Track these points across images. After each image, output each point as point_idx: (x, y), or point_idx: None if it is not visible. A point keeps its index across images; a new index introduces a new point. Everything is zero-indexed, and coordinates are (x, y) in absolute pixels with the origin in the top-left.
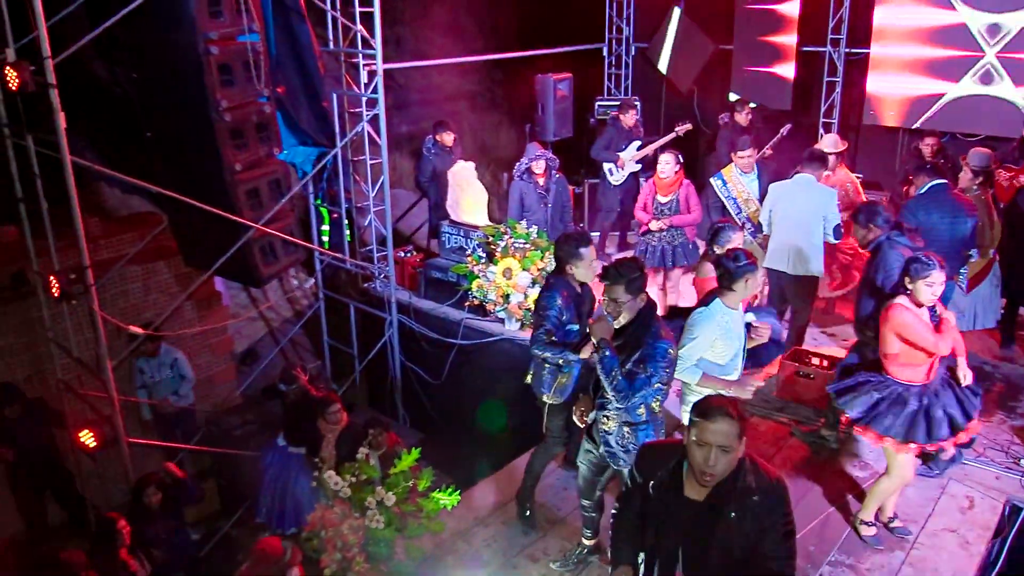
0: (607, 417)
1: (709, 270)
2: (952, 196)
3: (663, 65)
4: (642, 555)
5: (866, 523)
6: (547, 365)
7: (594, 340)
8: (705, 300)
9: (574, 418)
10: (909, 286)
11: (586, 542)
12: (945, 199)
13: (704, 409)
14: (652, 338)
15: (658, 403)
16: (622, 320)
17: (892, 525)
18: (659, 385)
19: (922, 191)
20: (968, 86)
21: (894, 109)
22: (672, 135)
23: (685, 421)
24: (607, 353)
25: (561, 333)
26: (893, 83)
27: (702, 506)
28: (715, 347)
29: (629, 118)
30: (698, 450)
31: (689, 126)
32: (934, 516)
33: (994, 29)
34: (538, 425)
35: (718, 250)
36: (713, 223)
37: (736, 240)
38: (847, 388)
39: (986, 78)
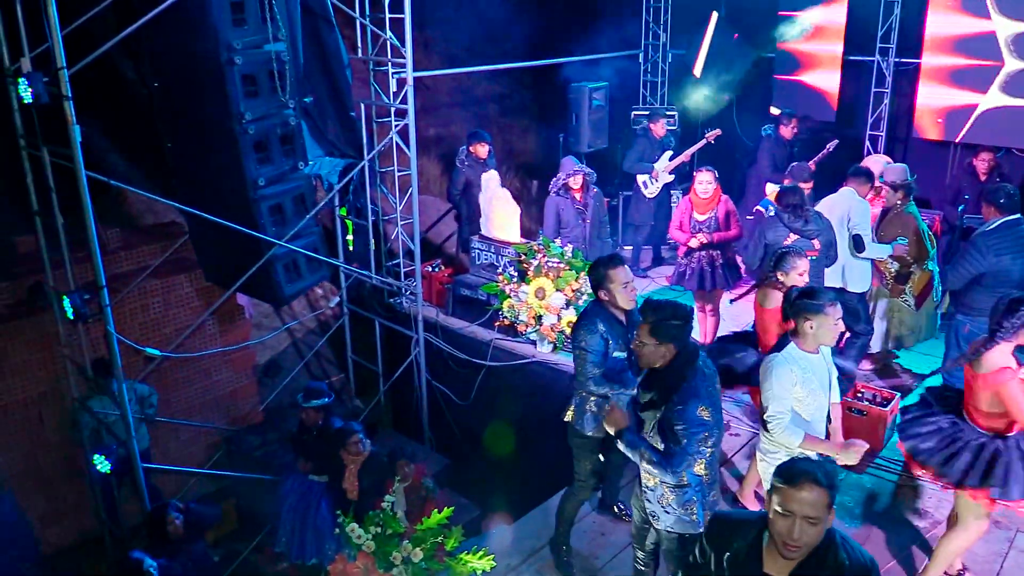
0: (649, 474)
1: (775, 299)
2: (1019, 235)
3: (701, 73)
4: None
5: None
6: (593, 399)
7: (611, 431)
8: (780, 342)
9: (604, 424)
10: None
11: None
12: (1018, 238)
13: (790, 474)
14: (680, 396)
15: (702, 466)
16: (653, 364)
17: None
18: (700, 448)
19: (991, 227)
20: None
21: (945, 122)
22: (703, 142)
23: (765, 484)
24: (626, 438)
25: (609, 363)
26: (944, 95)
27: None
28: (797, 398)
29: (660, 128)
30: (782, 520)
31: (719, 132)
32: (1003, 574)
33: None
34: (570, 455)
35: (782, 277)
36: (774, 248)
37: (802, 266)
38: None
39: None
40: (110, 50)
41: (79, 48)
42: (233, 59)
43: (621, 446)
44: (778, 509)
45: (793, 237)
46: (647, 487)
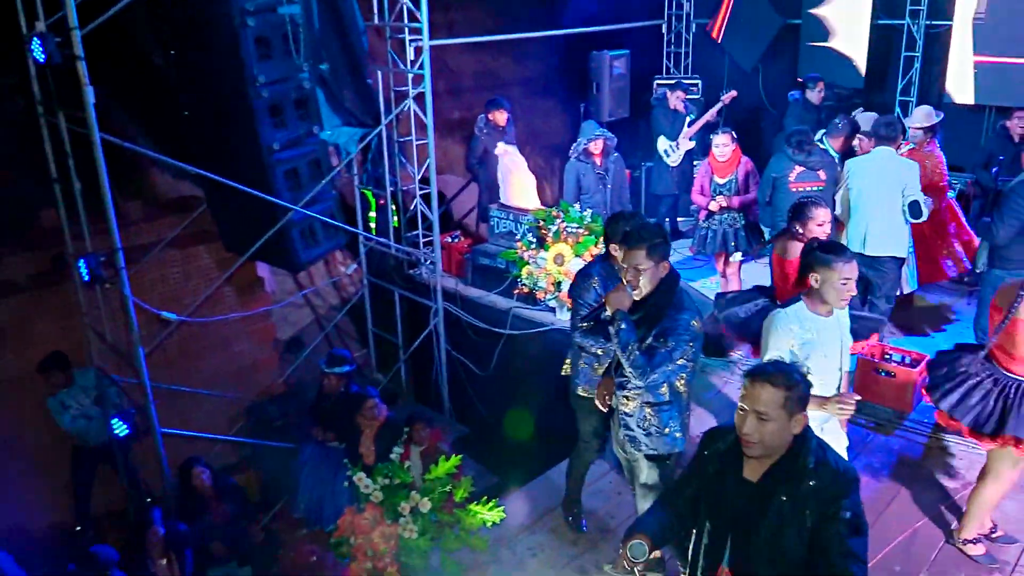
0: (627, 398)
1: (795, 250)
2: None
3: (726, 42)
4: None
5: (970, 541)
6: (584, 354)
7: (609, 311)
8: (792, 299)
9: (596, 402)
10: None
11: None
12: None
13: (752, 373)
14: (674, 309)
15: (683, 382)
16: (643, 290)
17: (995, 535)
18: (683, 361)
19: None
20: None
21: (975, 85)
22: (719, 105)
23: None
24: (623, 326)
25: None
26: (976, 58)
27: (754, 487)
28: (799, 358)
29: (675, 100)
30: (739, 416)
31: (735, 93)
32: None
33: None
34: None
35: (800, 227)
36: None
37: (820, 216)
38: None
39: None
40: (127, 20)
41: (94, 14)
42: (246, 21)
43: (611, 332)
44: (739, 404)
45: (798, 170)
46: (625, 413)
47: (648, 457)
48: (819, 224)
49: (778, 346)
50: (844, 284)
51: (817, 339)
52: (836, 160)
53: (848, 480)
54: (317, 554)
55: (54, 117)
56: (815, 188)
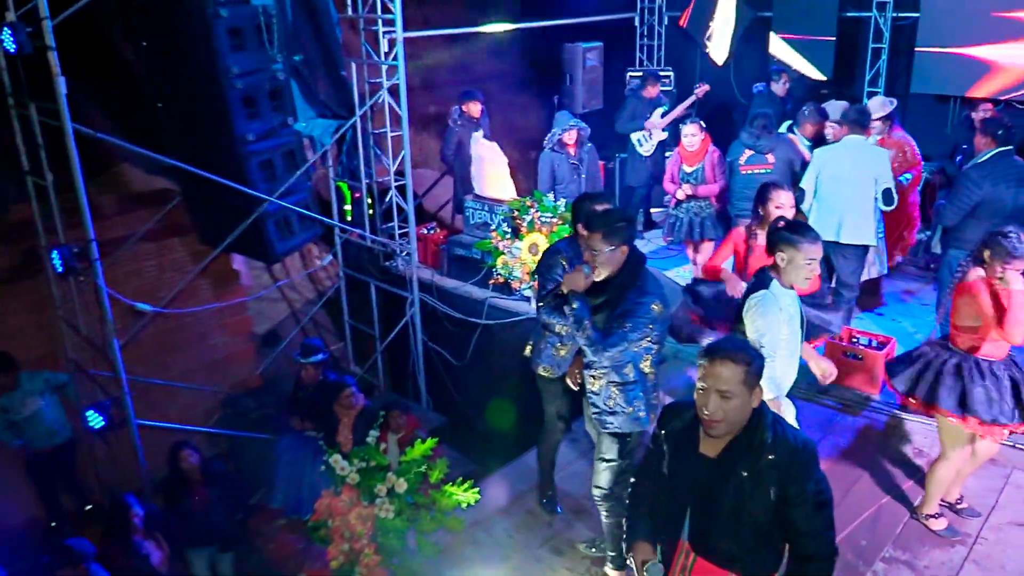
0: (594, 377)
1: (760, 232)
2: (1018, 164)
3: (698, 34)
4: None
5: (932, 516)
6: (547, 335)
7: (563, 290)
8: (759, 280)
9: (567, 381)
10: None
11: None
12: (1010, 167)
13: (711, 350)
14: (636, 292)
15: (648, 364)
16: (603, 273)
17: (960, 507)
18: (647, 343)
19: (984, 158)
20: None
21: (942, 77)
22: (692, 98)
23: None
24: (575, 304)
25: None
26: (941, 49)
27: (713, 463)
28: (783, 338)
29: (652, 89)
30: (700, 395)
31: (707, 87)
32: (998, 508)
33: None
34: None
35: (762, 210)
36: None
37: (779, 198)
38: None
39: None
40: (96, 11)
41: (65, 4)
42: (219, 12)
43: (567, 312)
44: (698, 384)
45: (748, 153)
46: (592, 392)
47: (612, 434)
48: (777, 207)
49: (771, 328)
50: (808, 264)
51: (795, 314)
52: (792, 144)
53: (808, 455)
54: (299, 544)
55: (25, 109)
56: (763, 171)
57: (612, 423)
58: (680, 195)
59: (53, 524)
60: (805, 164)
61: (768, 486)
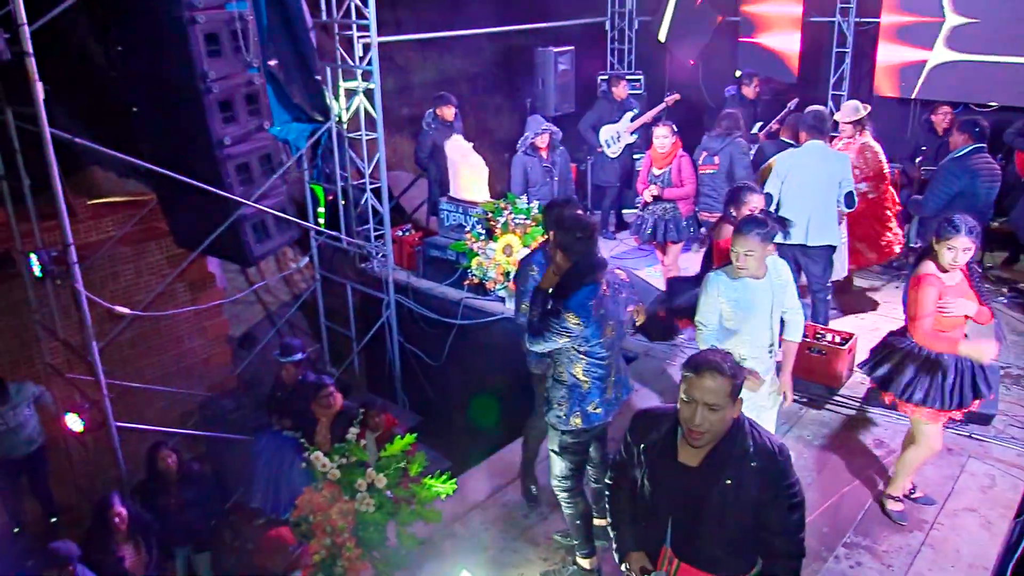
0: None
1: (726, 232)
2: (990, 161)
3: (666, 38)
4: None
5: (892, 498)
6: None
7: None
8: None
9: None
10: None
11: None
12: (986, 162)
13: (696, 363)
14: (565, 302)
15: (581, 371)
16: (556, 276)
17: (914, 496)
18: (575, 352)
19: (962, 152)
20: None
21: (903, 80)
22: (663, 105)
23: None
24: (532, 291)
25: None
26: (903, 53)
27: (695, 472)
28: (726, 315)
29: (621, 90)
30: (686, 407)
31: (678, 96)
32: (954, 495)
33: None
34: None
35: (735, 212)
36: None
37: (752, 201)
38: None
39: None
40: (67, 17)
41: (39, 10)
42: (195, 18)
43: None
44: (683, 397)
45: (703, 154)
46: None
47: (550, 424)
48: (750, 209)
49: (706, 300)
50: (747, 256)
51: (740, 298)
52: (740, 147)
53: (785, 458)
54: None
55: (2, 114)
56: (710, 172)
57: (547, 413)
58: (647, 197)
59: (16, 530)
60: (745, 168)
61: (750, 491)
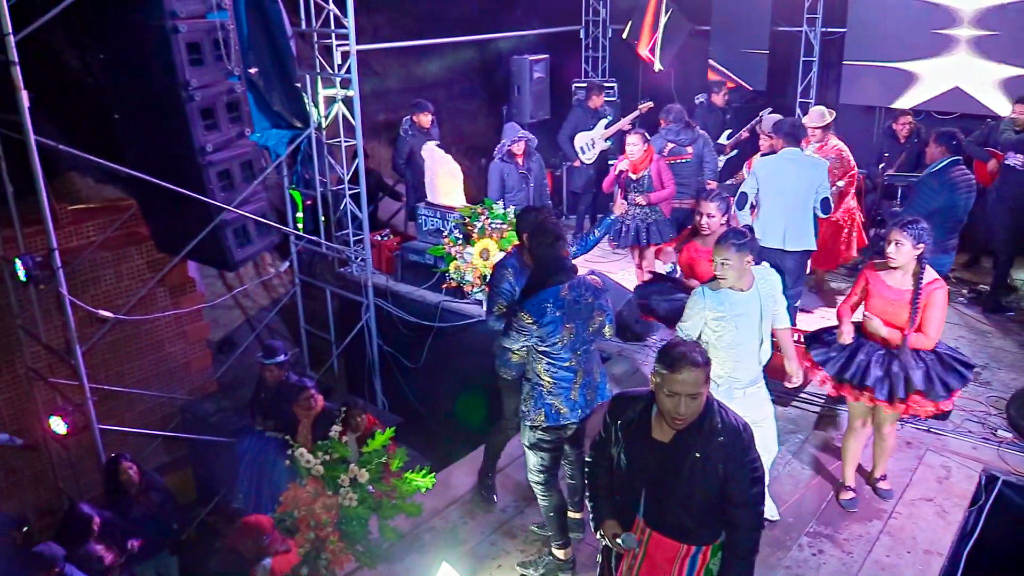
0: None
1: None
2: (967, 172)
3: (639, 46)
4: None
5: (845, 487)
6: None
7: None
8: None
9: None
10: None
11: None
12: (963, 175)
13: (670, 361)
14: (520, 303)
15: (543, 370)
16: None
17: (878, 485)
18: (536, 352)
19: (939, 166)
20: (940, 64)
21: (869, 88)
22: (636, 112)
23: None
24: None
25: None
26: (868, 62)
27: (668, 447)
28: (711, 328)
29: (597, 99)
30: (668, 400)
31: (651, 104)
32: (911, 486)
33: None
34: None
35: (697, 217)
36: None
37: (704, 207)
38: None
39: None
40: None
41: (23, 19)
42: (177, 27)
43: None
44: (664, 392)
45: (669, 146)
46: None
47: (520, 418)
48: (700, 214)
49: (690, 312)
50: (721, 265)
51: (724, 311)
52: (708, 141)
53: (748, 436)
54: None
55: None
56: (683, 161)
57: (521, 406)
58: (619, 210)
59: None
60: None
61: (717, 464)
